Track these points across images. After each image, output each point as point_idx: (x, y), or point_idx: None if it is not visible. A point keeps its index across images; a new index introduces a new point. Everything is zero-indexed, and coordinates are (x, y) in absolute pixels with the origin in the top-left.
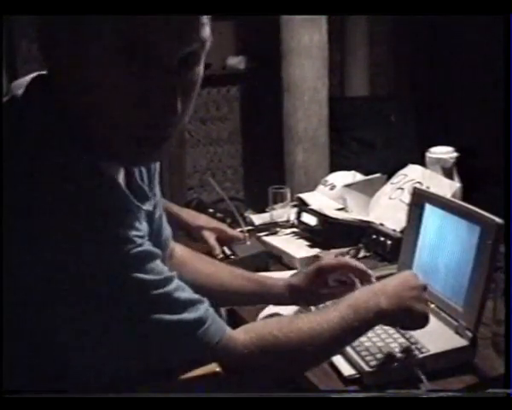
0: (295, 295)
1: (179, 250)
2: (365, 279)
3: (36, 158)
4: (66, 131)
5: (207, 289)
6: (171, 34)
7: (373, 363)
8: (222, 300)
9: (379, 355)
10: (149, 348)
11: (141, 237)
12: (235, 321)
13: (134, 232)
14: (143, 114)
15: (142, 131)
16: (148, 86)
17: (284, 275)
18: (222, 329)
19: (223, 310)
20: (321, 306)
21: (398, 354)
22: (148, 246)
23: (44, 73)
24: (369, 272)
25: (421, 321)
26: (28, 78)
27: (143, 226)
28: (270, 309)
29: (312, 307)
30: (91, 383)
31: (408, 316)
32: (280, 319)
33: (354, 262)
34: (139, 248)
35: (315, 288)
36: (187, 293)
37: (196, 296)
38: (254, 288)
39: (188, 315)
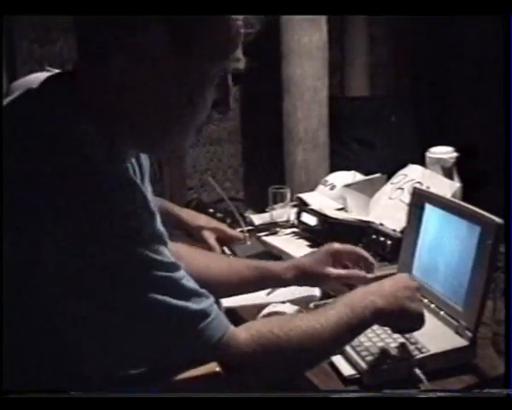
0: (300, 276)
1: (173, 247)
2: (368, 268)
3: (59, 155)
4: (89, 129)
5: (207, 280)
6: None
7: (373, 363)
8: (223, 289)
9: (379, 355)
10: (151, 331)
11: (152, 215)
12: (235, 320)
13: (142, 211)
14: (198, 110)
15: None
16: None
17: None
18: (225, 325)
19: (222, 309)
20: (321, 303)
21: (398, 354)
22: (158, 227)
23: (57, 72)
24: (372, 260)
25: (416, 322)
26: (34, 77)
27: None
28: (270, 308)
29: (311, 306)
30: (97, 365)
31: (403, 316)
32: (280, 318)
33: (360, 250)
34: (148, 229)
35: (322, 270)
36: (193, 284)
37: (202, 290)
38: (255, 274)
39: (192, 305)
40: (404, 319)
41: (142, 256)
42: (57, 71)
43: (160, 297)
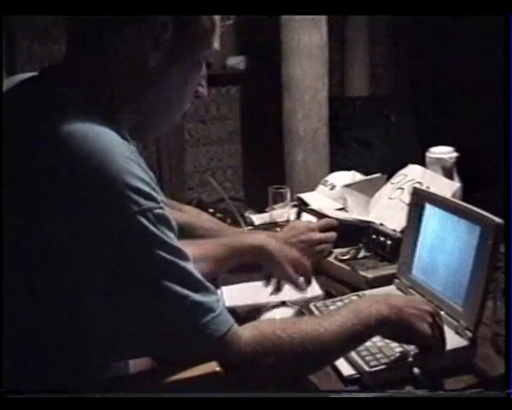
0: (259, 255)
1: None
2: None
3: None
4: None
5: None
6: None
7: (373, 363)
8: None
9: (379, 355)
10: (154, 316)
11: (163, 202)
12: (234, 320)
13: (157, 194)
14: (187, 101)
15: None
16: (198, 80)
17: None
18: (229, 322)
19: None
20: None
21: (398, 354)
22: (169, 215)
23: (51, 66)
24: (309, 277)
25: (425, 344)
26: (31, 74)
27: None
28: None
29: (312, 307)
30: (104, 348)
31: (408, 332)
32: (284, 320)
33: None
34: (161, 211)
35: (281, 260)
36: (201, 277)
37: (209, 284)
38: (226, 252)
39: (199, 297)
40: (409, 335)
41: (151, 236)
42: None
43: (167, 283)
